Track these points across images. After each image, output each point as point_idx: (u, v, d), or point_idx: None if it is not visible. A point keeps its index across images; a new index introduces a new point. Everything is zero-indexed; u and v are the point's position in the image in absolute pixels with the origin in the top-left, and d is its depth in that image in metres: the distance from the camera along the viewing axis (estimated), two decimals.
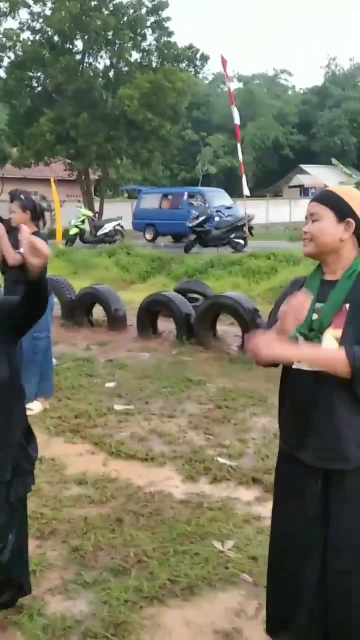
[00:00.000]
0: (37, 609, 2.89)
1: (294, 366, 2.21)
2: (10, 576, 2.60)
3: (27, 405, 5.34)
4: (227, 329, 8.37)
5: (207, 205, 19.67)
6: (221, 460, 4.48)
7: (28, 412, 5.06)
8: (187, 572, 3.10)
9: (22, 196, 5.49)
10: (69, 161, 29.29)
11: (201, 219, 17.56)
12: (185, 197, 22.26)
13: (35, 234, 5.52)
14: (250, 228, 17.70)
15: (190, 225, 17.61)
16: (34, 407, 5.58)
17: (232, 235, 17.05)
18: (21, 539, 2.60)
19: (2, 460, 2.43)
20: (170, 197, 23.21)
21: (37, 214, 5.54)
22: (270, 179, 48.10)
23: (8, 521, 2.49)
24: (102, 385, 6.42)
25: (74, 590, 3.04)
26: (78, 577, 3.14)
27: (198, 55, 29.35)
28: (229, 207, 20.47)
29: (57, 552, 3.38)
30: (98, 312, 9.40)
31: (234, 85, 48.98)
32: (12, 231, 5.55)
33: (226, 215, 18.79)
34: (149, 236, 22.79)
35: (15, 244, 5.45)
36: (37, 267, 2.26)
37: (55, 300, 9.03)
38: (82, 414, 5.51)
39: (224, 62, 15.85)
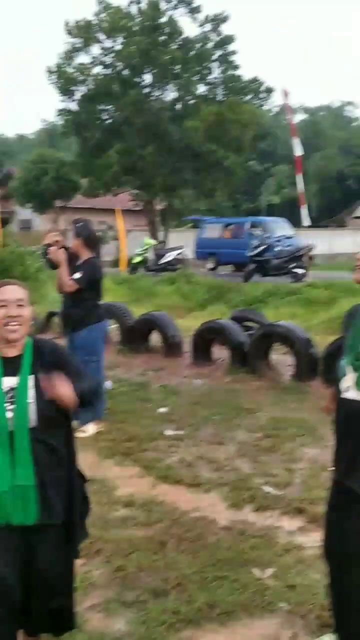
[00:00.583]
0: (79, 624, 2.97)
1: (349, 396, 2.26)
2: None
3: (81, 428, 5.52)
4: (281, 358, 8.36)
5: (267, 234, 19.70)
6: (267, 489, 4.49)
7: (81, 435, 5.24)
8: (225, 597, 3.13)
9: (77, 224, 5.75)
10: (136, 192, 29.97)
11: (261, 248, 17.61)
12: (247, 226, 22.35)
13: (89, 259, 5.78)
14: (311, 258, 17.61)
15: (250, 254, 17.69)
16: (88, 429, 5.73)
17: (292, 265, 17.00)
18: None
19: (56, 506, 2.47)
20: (232, 226, 23.36)
21: (90, 241, 5.77)
22: (334, 209, 47.75)
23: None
24: (154, 411, 6.53)
25: (114, 609, 3.12)
26: (119, 597, 3.22)
27: (263, 88, 29.69)
28: (289, 237, 20.43)
29: (101, 571, 3.48)
30: (155, 338, 9.56)
31: (300, 117, 49.19)
32: (73, 258, 5.82)
33: (286, 245, 18.75)
34: (210, 265, 22.96)
35: (72, 271, 5.71)
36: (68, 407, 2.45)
37: (114, 325, 9.27)
38: (133, 438, 5.63)
39: (286, 95, 16.02)
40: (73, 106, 29.34)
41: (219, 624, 2.97)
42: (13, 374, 2.48)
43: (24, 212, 41.81)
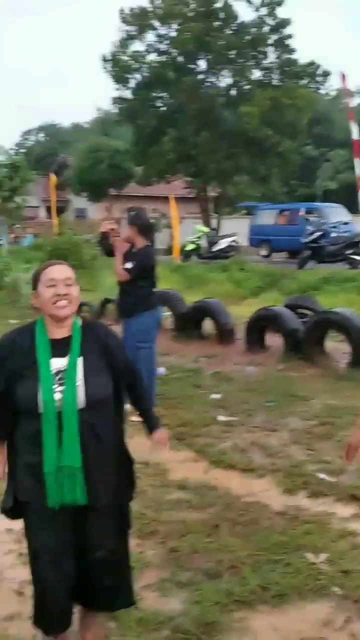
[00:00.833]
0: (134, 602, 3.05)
1: None
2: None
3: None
4: (336, 345, 8.27)
5: (323, 220, 19.41)
6: (321, 475, 4.48)
7: (135, 419, 5.32)
8: (278, 580, 3.16)
9: (131, 212, 5.82)
10: (189, 179, 29.96)
11: (316, 234, 17.36)
12: (302, 213, 22.04)
13: (145, 247, 5.85)
14: None
15: (305, 241, 17.47)
16: None
17: (349, 252, 16.72)
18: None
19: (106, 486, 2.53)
20: (286, 213, 23.08)
21: (144, 229, 5.82)
22: None
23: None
24: (207, 397, 6.59)
25: (169, 589, 3.20)
26: (173, 577, 3.29)
27: (319, 71, 29.14)
28: (346, 223, 20.06)
29: (156, 551, 3.56)
30: (208, 325, 9.60)
31: (358, 99, 47.94)
32: (132, 247, 5.89)
33: (343, 231, 18.42)
34: (264, 252, 22.78)
35: (127, 259, 5.78)
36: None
37: (168, 313, 9.33)
38: (186, 423, 5.69)
39: (344, 78, 15.69)
40: (127, 94, 29.51)
41: (272, 606, 3.00)
42: (61, 356, 2.50)
43: (79, 201, 42.35)
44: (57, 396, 2.42)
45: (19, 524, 3.82)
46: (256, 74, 28.83)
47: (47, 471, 2.42)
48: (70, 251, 15.82)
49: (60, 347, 2.52)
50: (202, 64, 28.60)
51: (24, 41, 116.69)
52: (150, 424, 2.76)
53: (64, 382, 2.45)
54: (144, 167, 29.95)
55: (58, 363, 2.48)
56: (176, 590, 3.18)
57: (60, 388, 2.44)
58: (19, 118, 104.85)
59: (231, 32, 27.12)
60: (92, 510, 2.50)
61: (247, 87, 28.51)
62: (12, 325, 12.07)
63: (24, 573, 3.30)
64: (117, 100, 29.84)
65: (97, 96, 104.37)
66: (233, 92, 28.76)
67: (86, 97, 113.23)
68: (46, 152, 57.49)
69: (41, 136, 70.15)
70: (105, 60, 28.86)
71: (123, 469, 2.64)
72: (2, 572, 3.45)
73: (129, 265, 5.68)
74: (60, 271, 2.57)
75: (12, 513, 2.63)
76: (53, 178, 27.52)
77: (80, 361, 2.50)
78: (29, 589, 3.10)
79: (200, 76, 28.70)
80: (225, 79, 29.09)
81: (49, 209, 42.60)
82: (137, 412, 2.75)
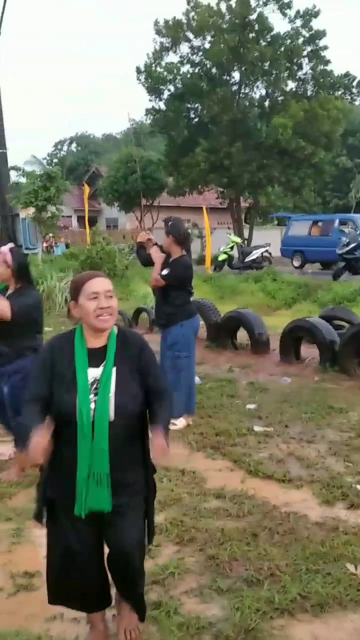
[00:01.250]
0: (174, 607, 3.09)
1: None
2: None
3: (172, 421, 5.65)
4: None
5: (358, 232, 19.29)
6: (359, 487, 4.46)
7: (172, 427, 5.37)
8: (318, 589, 3.16)
9: (168, 223, 5.89)
10: (221, 189, 30.05)
11: (351, 245, 17.27)
12: (336, 224, 21.95)
13: (181, 257, 5.91)
14: None
15: (340, 252, 17.39)
16: (178, 423, 5.86)
17: None
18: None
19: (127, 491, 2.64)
20: (320, 224, 23.02)
21: (181, 239, 5.88)
22: None
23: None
24: (242, 407, 6.59)
25: (209, 595, 3.22)
26: (213, 584, 3.31)
27: (355, 83, 29.08)
28: None
29: (195, 558, 3.58)
30: (242, 335, 9.61)
31: None
32: (168, 257, 5.96)
33: None
34: (297, 263, 22.73)
35: (163, 269, 5.85)
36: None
37: (201, 322, 9.37)
38: (222, 432, 5.71)
39: None
40: (161, 105, 29.78)
41: (313, 615, 3.01)
42: (97, 365, 2.58)
43: (110, 211, 42.73)
44: (92, 406, 2.51)
45: None
46: (290, 85, 28.90)
47: (80, 477, 2.52)
48: (103, 260, 15.96)
49: (96, 357, 2.61)
50: (236, 76, 28.78)
51: (56, 52, 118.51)
52: (160, 432, 2.63)
53: (97, 392, 2.53)
54: (176, 178, 30.14)
55: (94, 372, 2.57)
56: (216, 596, 3.21)
57: (95, 398, 2.52)
58: (52, 129, 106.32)
59: (265, 43, 27.24)
60: (116, 514, 2.60)
61: (281, 98, 28.55)
62: (47, 333, 12.23)
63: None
64: (151, 111, 30.15)
65: (130, 107, 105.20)
66: (267, 103, 28.80)
67: (118, 108, 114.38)
68: (78, 162, 58.18)
69: (74, 147, 71.01)
70: (139, 71, 29.22)
71: (147, 475, 2.74)
72: (43, 574, 3.50)
73: (165, 272, 5.75)
74: (102, 284, 2.65)
75: (42, 518, 2.76)
76: (87, 188, 27.89)
77: (114, 372, 2.58)
78: None
79: (234, 87, 28.84)
80: (259, 90, 29.23)
81: (79, 219, 43.21)
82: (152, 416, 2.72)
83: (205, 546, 3.69)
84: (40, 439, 2.45)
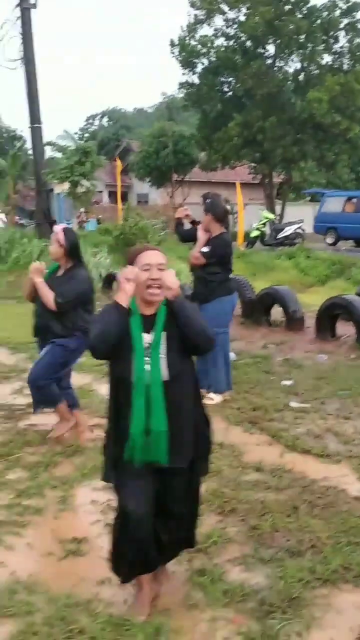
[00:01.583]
0: (218, 575, 3.21)
1: None
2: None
3: (209, 395, 5.75)
4: None
5: None
6: None
7: (209, 402, 5.47)
8: (359, 561, 3.24)
9: (207, 200, 5.93)
10: (254, 165, 29.76)
11: None
12: None
13: (221, 234, 5.95)
14: None
15: None
16: (215, 398, 5.95)
17: None
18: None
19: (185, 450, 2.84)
20: (354, 200, 22.68)
21: (220, 216, 5.92)
22: None
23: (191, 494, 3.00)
24: (278, 383, 6.65)
25: (252, 564, 3.33)
26: (255, 553, 3.42)
27: None
28: None
29: (237, 528, 3.69)
30: (275, 312, 9.62)
31: None
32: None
33: None
34: (330, 240, 22.48)
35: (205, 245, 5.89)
36: (172, 299, 2.78)
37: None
38: (259, 408, 5.79)
39: None
40: (194, 79, 29.47)
41: (355, 586, 3.10)
42: (149, 331, 2.78)
43: (141, 186, 42.59)
44: (147, 367, 2.72)
45: (103, 496, 4.06)
46: (326, 59, 28.34)
47: (134, 432, 2.72)
48: (137, 236, 15.99)
49: (147, 323, 2.80)
50: (271, 49, 28.29)
51: (88, 25, 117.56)
52: None
53: (150, 355, 2.74)
54: (208, 153, 29.90)
55: (147, 337, 2.77)
56: (259, 565, 3.31)
57: (149, 360, 2.73)
58: (83, 103, 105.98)
59: (301, 16, 26.67)
60: (174, 472, 2.83)
61: (316, 71, 28.04)
62: None
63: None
64: (184, 85, 29.85)
65: (161, 81, 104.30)
66: (301, 77, 28.31)
67: (150, 81, 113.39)
68: (109, 137, 57.98)
69: (105, 121, 70.75)
70: (172, 44, 28.90)
71: (202, 429, 2.94)
72: (90, 540, 3.64)
73: (204, 249, 5.80)
74: (155, 257, 2.81)
75: (110, 479, 2.97)
76: (119, 163, 27.82)
77: (163, 336, 2.77)
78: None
79: (269, 61, 28.37)
80: (294, 64, 28.73)
81: (110, 194, 43.17)
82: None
83: (247, 517, 3.79)
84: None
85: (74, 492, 4.22)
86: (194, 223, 6.91)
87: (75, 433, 5.18)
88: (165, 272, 2.80)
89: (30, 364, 7.68)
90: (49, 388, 4.95)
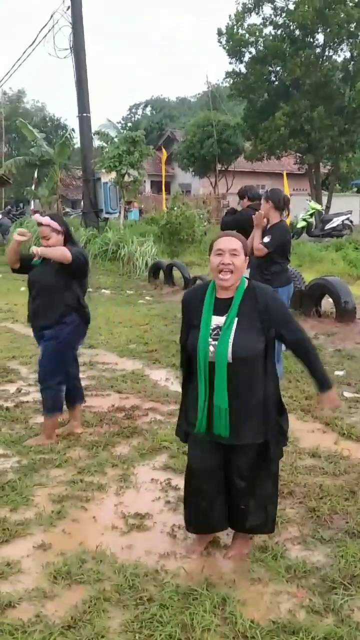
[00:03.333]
0: (280, 552, 3.31)
1: None
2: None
3: None
4: None
5: None
6: None
7: None
8: None
9: (268, 190, 5.99)
10: (300, 155, 29.52)
11: None
12: None
13: (278, 223, 5.99)
14: None
15: None
16: None
17: None
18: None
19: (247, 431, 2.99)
20: None
21: (279, 204, 5.97)
22: None
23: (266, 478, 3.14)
24: (330, 373, 6.63)
25: (312, 543, 3.42)
26: (315, 533, 3.51)
27: None
28: None
29: (295, 510, 3.78)
30: (325, 303, 9.61)
31: None
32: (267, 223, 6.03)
33: None
34: None
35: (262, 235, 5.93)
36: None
37: None
38: (312, 396, 5.84)
39: None
40: (241, 68, 29.31)
41: None
42: (221, 314, 2.94)
43: (184, 176, 42.61)
44: (211, 348, 2.89)
45: (163, 475, 4.20)
46: None
47: (200, 405, 2.96)
48: (182, 226, 16.10)
49: (222, 306, 2.96)
50: (320, 38, 27.94)
51: (134, 16, 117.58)
52: (320, 382, 3.12)
53: (218, 338, 2.89)
54: (254, 142, 29.76)
55: (217, 320, 2.93)
56: (319, 545, 3.40)
57: (214, 342, 2.89)
58: (127, 92, 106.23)
59: (353, 4, 26.22)
60: (238, 448, 3.02)
61: None
62: (129, 295, 12.57)
63: (173, 518, 3.65)
64: (231, 74, 29.72)
65: (206, 70, 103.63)
66: (351, 66, 27.89)
67: (193, 70, 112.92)
68: (153, 126, 58.04)
69: (148, 110, 70.78)
70: (220, 33, 28.78)
71: (271, 414, 3.04)
72: (153, 516, 3.78)
73: (266, 239, 5.85)
74: (228, 242, 2.95)
75: (181, 437, 3.30)
76: (164, 153, 27.92)
77: (235, 320, 2.90)
78: (179, 532, 3.47)
79: (317, 50, 28.03)
80: (343, 53, 28.33)
81: (152, 184, 43.29)
82: (307, 370, 3.13)
83: (305, 499, 3.89)
84: None
85: (133, 471, 4.37)
86: (233, 212, 7.24)
87: (69, 427, 5.12)
88: (238, 257, 2.91)
89: (81, 349, 7.90)
90: (57, 393, 4.87)
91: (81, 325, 4.89)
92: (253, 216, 5.99)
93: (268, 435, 3.01)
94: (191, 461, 3.18)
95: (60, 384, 4.88)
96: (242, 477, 3.07)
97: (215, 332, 2.91)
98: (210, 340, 2.90)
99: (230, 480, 3.11)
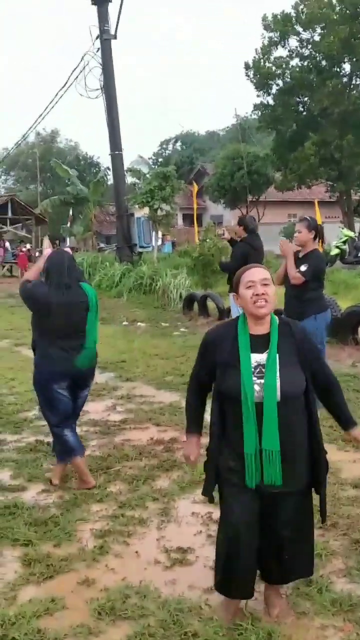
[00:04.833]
0: (325, 585, 3.26)
1: None
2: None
3: None
4: None
5: None
6: None
7: None
8: None
9: (308, 217, 6.00)
10: (331, 183, 29.58)
11: None
12: None
13: (313, 251, 5.99)
14: None
15: None
16: None
17: None
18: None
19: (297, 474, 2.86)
20: None
21: (318, 234, 5.99)
22: None
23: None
24: None
25: (357, 576, 3.37)
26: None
27: None
28: None
29: (339, 542, 3.73)
30: None
31: None
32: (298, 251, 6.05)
33: None
34: None
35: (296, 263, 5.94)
36: None
37: None
38: None
39: None
40: (269, 100, 29.69)
41: None
42: (260, 351, 2.81)
43: (215, 208, 42.97)
44: (257, 387, 2.75)
45: (203, 509, 4.18)
46: None
47: (247, 452, 2.77)
48: (215, 257, 16.18)
49: (259, 343, 2.84)
50: (347, 67, 28.21)
51: (161, 55, 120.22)
52: (345, 422, 3.06)
53: (263, 375, 2.76)
54: (284, 172, 29.95)
55: (257, 357, 2.81)
56: None
57: (259, 381, 2.76)
58: (157, 128, 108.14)
59: None
60: (286, 495, 2.83)
61: None
62: (164, 327, 12.65)
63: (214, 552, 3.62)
64: (259, 106, 30.12)
65: (232, 103, 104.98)
66: None
67: (221, 104, 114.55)
68: (183, 160, 58.85)
69: (178, 145, 71.84)
70: (247, 67, 29.27)
71: (316, 458, 2.93)
72: (195, 550, 3.76)
73: (303, 268, 5.85)
74: (258, 273, 2.91)
75: (210, 494, 3.06)
76: (195, 187, 28.26)
77: (277, 357, 2.79)
78: None
79: (344, 79, 28.28)
80: None
81: (184, 217, 43.75)
82: (334, 407, 3.08)
83: (349, 531, 3.83)
84: (196, 450, 3.10)
85: (174, 505, 4.36)
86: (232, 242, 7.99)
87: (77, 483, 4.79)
88: (270, 287, 2.90)
89: (119, 382, 8.01)
90: (60, 437, 4.67)
91: (42, 366, 4.57)
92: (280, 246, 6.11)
93: (320, 475, 2.94)
94: (229, 517, 2.90)
95: (59, 427, 4.66)
96: (286, 524, 2.89)
97: (257, 370, 2.78)
98: (254, 379, 2.77)
99: (271, 530, 2.90)
